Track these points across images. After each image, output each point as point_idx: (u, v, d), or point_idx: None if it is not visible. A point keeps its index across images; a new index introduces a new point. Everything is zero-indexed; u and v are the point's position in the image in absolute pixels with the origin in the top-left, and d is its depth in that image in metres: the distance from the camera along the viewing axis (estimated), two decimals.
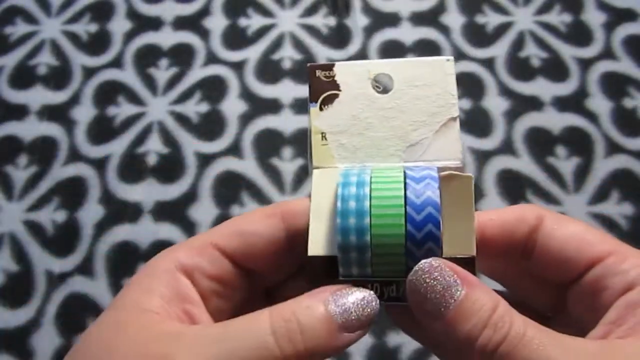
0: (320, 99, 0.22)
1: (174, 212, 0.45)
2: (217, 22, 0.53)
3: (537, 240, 0.20)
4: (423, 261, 0.18)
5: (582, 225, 0.20)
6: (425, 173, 0.20)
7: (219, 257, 0.20)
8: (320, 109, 0.22)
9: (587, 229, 0.20)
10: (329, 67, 0.22)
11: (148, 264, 0.20)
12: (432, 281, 0.18)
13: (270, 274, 0.22)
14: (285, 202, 0.21)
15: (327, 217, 0.20)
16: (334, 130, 0.22)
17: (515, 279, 0.23)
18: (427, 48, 0.51)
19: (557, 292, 0.21)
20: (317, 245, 0.20)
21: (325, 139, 0.21)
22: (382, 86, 0.22)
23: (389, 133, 0.22)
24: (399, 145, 0.22)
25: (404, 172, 0.20)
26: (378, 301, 0.18)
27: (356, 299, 0.18)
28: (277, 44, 0.51)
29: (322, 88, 0.22)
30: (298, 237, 0.21)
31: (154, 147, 0.47)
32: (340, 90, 0.22)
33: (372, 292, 0.19)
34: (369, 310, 0.18)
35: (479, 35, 0.51)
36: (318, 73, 0.22)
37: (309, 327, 0.17)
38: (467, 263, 0.19)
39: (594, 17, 0.52)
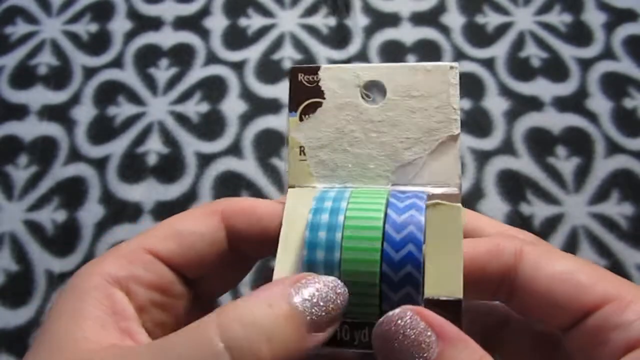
0: (301, 107, 0.19)
1: (174, 212, 0.44)
2: (217, 22, 0.53)
3: (517, 280, 0.17)
4: (392, 312, 0.15)
5: (572, 262, 0.17)
6: (411, 202, 0.17)
7: (154, 263, 0.18)
8: (301, 119, 0.19)
9: (578, 266, 0.17)
10: (313, 70, 0.19)
11: (72, 284, 0.17)
12: (401, 335, 0.15)
13: (213, 281, 0.19)
14: (226, 199, 0.19)
15: (297, 246, 0.17)
16: (314, 144, 0.19)
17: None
18: (427, 48, 0.51)
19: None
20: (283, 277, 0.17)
21: (304, 153, 0.19)
22: (372, 95, 0.19)
23: (377, 150, 0.18)
24: (388, 165, 0.18)
25: (387, 199, 0.17)
26: (346, 291, 0.16)
27: (322, 288, 0.15)
28: (277, 44, 0.51)
29: (303, 95, 0.19)
30: (240, 239, 0.18)
31: (154, 147, 0.47)
32: (324, 98, 0.19)
33: (336, 279, 0.16)
34: (339, 301, 0.15)
35: (479, 35, 0.51)
36: (300, 77, 0.19)
37: (274, 331, 0.14)
38: (452, 306, 0.16)
39: (594, 17, 0.52)
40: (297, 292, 0.15)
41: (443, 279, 0.16)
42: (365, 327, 0.16)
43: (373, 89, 0.19)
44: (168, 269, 0.18)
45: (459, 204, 0.17)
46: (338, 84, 0.19)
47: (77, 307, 0.16)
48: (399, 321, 0.15)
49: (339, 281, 0.16)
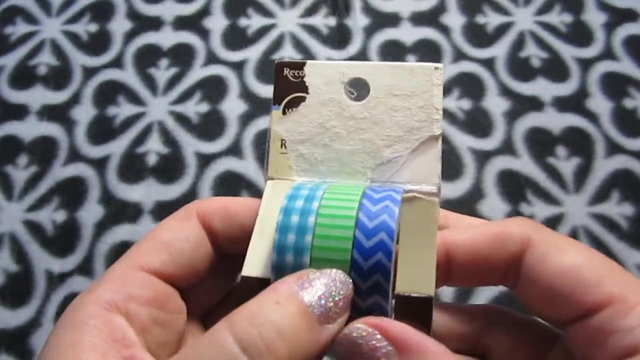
0: (285, 101, 0.19)
1: (174, 212, 0.44)
2: (217, 22, 0.53)
3: (522, 271, 0.17)
4: (348, 327, 0.15)
5: (580, 255, 0.16)
6: (386, 194, 0.16)
7: (148, 279, 0.17)
8: (284, 112, 0.19)
9: (585, 260, 0.16)
10: (299, 66, 0.19)
11: (67, 316, 0.16)
12: (357, 351, 0.14)
13: (204, 291, 0.19)
14: (198, 201, 0.18)
15: (270, 233, 0.17)
16: (295, 138, 0.19)
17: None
18: (427, 48, 0.51)
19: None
20: (253, 264, 0.17)
21: (285, 147, 0.19)
22: (356, 93, 0.19)
23: (357, 147, 0.18)
24: (368, 162, 0.18)
25: (363, 192, 0.17)
26: (350, 280, 0.15)
27: (327, 281, 0.15)
28: (277, 44, 0.51)
29: (287, 89, 0.19)
30: (220, 237, 0.18)
31: (154, 147, 0.47)
32: (308, 93, 0.19)
33: (339, 270, 0.16)
34: (343, 291, 0.15)
35: (479, 35, 0.51)
36: (286, 72, 0.20)
37: (286, 326, 0.14)
38: (422, 304, 0.16)
39: (594, 17, 0.52)
40: (302, 288, 0.15)
41: (415, 275, 0.16)
42: None
43: (357, 86, 0.19)
44: (163, 282, 0.17)
45: (435, 199, 0.17)
46: (323, 80, 0.19)
47: (74, 338, 0.15)
48: (355, 335, 0.15)
49: (340, 272, 0.15)
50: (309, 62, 0.19)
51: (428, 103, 0.18)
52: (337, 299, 0.15)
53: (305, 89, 0.19)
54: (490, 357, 0.19)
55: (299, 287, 0.15)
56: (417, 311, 0.16)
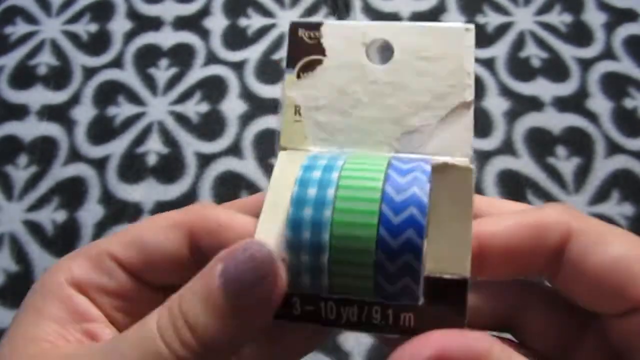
0: (300, 64, 0.17)
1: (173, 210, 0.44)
2: (217, 22, 0.53)
3: (565, 262, 0.15)
4: (402, 350, 0.13)
5: (626, 245, 0.15)
6: (415, 165, 0.15)
7: (115, 270, 0.17)
8: (298, 76, 0.17)
9: (633, 251, 0.15)
10: (315, 26, 0.17)
11: (42, 279, 0.17)
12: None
13: (178, 288, 0.18)
14: (196, 211, 0.17)
15: (283, 210, 0.15)
16: (311, 104, 0.17)
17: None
18: None
19: (578, 323, 0.17)
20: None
21: (300, 114, 0.17)
22: (379, 55, 0.17)
23: (381, 114, 0.16)
24: (393, 131, 0.16)
25: (389, 162, 0.15)
26: (274, 257, 0.14)
27: (246, 259, 0.14)
28: (277, 44, 0.51)
29: (302, 51, 0.17)
30: (205, 258, 0.16)
31: (154, 147, 0.47)
32: (325, 56, 0.17)
33: (259, 241, 0.14)
34: (264, 271, 0.14)
35: (479, 36, 0.51)
36: (301, 32, 0.17)
37: (193, 315, 0.14)
38: (456, 287, 0.14)
39: (594, 17, 0.52)
40: (221, 275, 0.14)
41: (449, 253, 0.14)
42: (354, 306, 0.14)
43: (380, 48, 0.18)
44: (129, 276, 0.17)
45: (471, 166, 0.15)
46: (342, 41, 0.17)
47: (39, 305, 0.16)
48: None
49: (264, 247, 0.14)
50: (326, 22, 0.17)
51: (459, 66, 0.16)
52: (256, 279, 0.14)
53: (322, 51, 0.17)
54: (521, 332, 0.18)
55: (218, 273, 0.14)
56: (450, 295, 0.14)
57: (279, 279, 0.14)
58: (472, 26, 0.17)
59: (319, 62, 0.17)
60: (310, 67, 0.17)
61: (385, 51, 0.17)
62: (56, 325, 0.16)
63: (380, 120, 0.17)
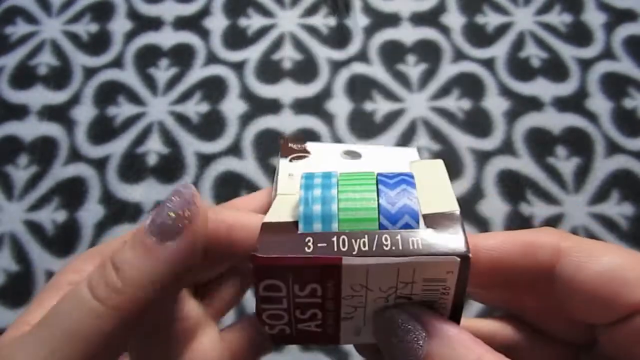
0: (291, 156, 0.21)
1: None
2: (217, 22, 0.53)
3: (558, 279, 0.16)
4: (392, 310, 0.15)
5: (616, 255, 0.16)
6: (400, 178, 0.18)
7: None
8: (290, 161, 0.21)
9: (623, 260, 0.16)
10: (301, 141, 0.22)
11: (54, 277, 0.17)
12: (393, 328, 0.15)
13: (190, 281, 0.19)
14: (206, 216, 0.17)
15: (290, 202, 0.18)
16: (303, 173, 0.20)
17: (525, 308, 0.19)
18: (427, 48, 0.51)
19: (584, 328, 0.17)
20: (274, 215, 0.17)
21: (293, 178, 0.20)
22: (350, 157, 0.22)
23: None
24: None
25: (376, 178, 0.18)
26: (192, 193, 0.16)
27: (168, 199, 0.15)
28: (277, 44, 0.51)
29: (292, 151, 0.21)
30: (213, 259, 0.18)
31: (154, 147, 0.47)
32: (310, 154, 0.21)
33: (187, 184, 0.16)
34: (184, 206, 0.15)
35: (479, 35, 0.51)
36: (290, 144, 0.22)
37: (120, 259, 0.15)
38: (450, 219, 0.16)
39: (594, 18, 0.52)
40: (149, 222, 0.15)
41: (438, 201, 0.17)
42: (364, 236, 0.16)
43: (351, 153, 0.22)
44: None
45: (440, 160, 0.19)
46: (322, 150, 0.22)
47: (42, 297, 0.16)
48: (393, 319, 0.15)
49: (187, 186, 0.16)
50: (308, 143, 0.22)
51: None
52: (176, 214, 0.15)
53: (307, 152, 0.21)
54: None
55: (150, 217, 0.15)
56: (449, 226, 0.16)
57: (199, 218, 0.15)
58: (415, 149, 0.22)
59: (306, 157, 0.21)
60: (299, 158, 0.21)
61: (355, 155, 0.22)
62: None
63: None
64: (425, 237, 0.16)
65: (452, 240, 0.16)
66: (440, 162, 0.19)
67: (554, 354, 0.18)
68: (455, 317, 0.16)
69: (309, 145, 0.22)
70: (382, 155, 0.21)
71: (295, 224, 0.17)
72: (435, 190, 0.17)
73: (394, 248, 0.15)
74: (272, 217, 0.17)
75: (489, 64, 0.50)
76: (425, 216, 0.16)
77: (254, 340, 0.19)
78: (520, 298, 0.18)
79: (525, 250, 0.16)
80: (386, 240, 0.16)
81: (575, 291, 0.16)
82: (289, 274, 0.16)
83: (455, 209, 0.17)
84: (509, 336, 0.19)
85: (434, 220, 0.16)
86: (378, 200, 0.16)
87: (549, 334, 0.19)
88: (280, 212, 0.17)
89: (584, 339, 0.18)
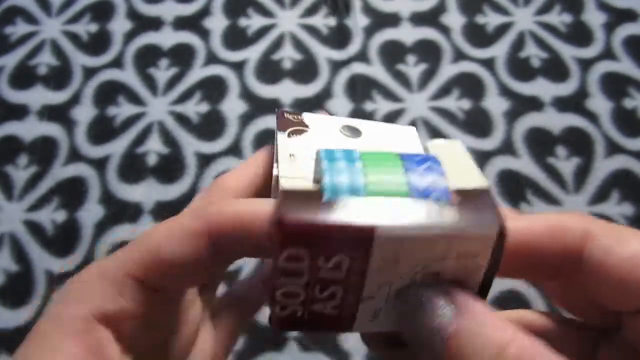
0: (289, 130, 0.20)
1: (174, 212, 0.44)
2: (217, 22, 0.53)
3: (586, 263, 0.16)
4: (415, 288, 0.15)
5: None
6: (424, 157, 0.17)
7: (138, 290, 0.16)
8: (289, 136, 0.20)
9: None
10: (297, 112, 0.21)
11: (57, 310, 0.16)
12: (427, 304, 0.15)
13: (196, 287, 0.19)
14: (213, 210, 0.17)
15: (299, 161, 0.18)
16: (304, 153, 0.19)
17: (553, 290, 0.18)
18: (427, 48, 0.51)
19: (609, 313, 0.17)
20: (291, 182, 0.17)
21: (295, 159, 0.19)
22: (350, 134, 0.21)
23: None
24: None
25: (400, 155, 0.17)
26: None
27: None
28: (277, 44, 0.51)
29: (290, 124, 0.20)
30: (226, 258, 0.17)
31: (154, 147, 0.47)
32: (308, 127, 0.20)
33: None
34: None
35: (479, 35, 0.51)
36: (287, 115, 0.21)
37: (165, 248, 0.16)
38: (481, 195, 0.15)
39: (594, 18, 0.52)
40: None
41: (465, 177, 0.16)
42: (398, 207, 0.15)
43: (349, 128, 0.21)
44: (148, 294, 0.17)
45: (458, 140, 0.19)
46: (320, 123, 0.21)
47: (56, 339, 0.15)
48: (422, 292, 0.15)
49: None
50: (304, 113, 0.21)
51: (413, 144, 0.21)
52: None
53: (305, 125, 0.21)
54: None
55: None
56: (480, 202, 0.15)
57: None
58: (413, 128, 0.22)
59: (305, 130, 0.20)
60: (297, 132, 0.20)
61: (355, 132, 0.21)
62: None
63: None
64: (460, 211, 0.15)
65: (487, 215, 0.15)
66: (459, 142, 0.18)
67: (574, 337, 0.18)
68: (482, 296, 0.16)
69: (306, 117, 0.21)
70: (383, 133, 0.21)
71: (318, 193, 0.15)
72: (460, 168, 0.17)
73: (429, 220, 0.15)
74: (289, 184, 0.16)
75: (489, 64, 0.50)
76: (455, 192, 0.16)
77: (240, 325, 0.20)
78: (543, 281, 0.18)
79: (554, 233, 0.16)
80: (420, 212, 0.15)
81: (604, 276, 0.15)
82: (316, 242, 0.15)
83: (485, 185, 0.16)
84: (533, 320, 0.19)
85: (465, 196, 0.15)
86: (406, 175, 0.16)
87: (570, 317, 0.18)
88: (296, 182, 0.17)
89: (606, 324, 0.17)
